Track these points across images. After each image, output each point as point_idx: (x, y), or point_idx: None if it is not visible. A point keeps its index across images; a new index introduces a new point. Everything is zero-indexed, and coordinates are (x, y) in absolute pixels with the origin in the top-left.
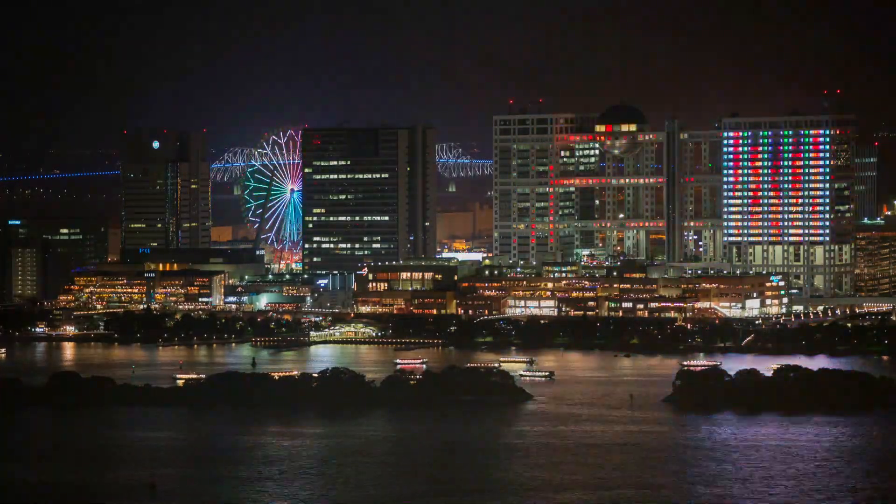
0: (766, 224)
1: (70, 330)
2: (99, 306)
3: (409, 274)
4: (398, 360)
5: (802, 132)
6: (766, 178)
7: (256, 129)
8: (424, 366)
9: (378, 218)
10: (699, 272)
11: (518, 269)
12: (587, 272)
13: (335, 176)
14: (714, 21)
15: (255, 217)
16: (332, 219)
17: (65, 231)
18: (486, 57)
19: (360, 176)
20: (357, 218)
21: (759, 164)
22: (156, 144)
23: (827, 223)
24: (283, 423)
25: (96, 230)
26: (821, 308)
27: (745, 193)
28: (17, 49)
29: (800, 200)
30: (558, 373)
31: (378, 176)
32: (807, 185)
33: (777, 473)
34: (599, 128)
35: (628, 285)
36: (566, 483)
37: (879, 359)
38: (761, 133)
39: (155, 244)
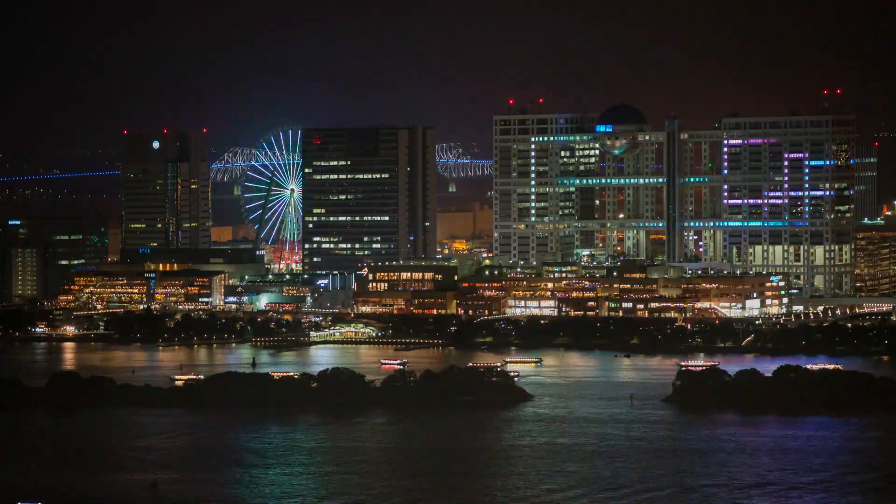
0: (766, 224)
1: (70, 330)
2: (99, 306)
3: (409, 274)
4: (383, 361)
5: (802, 132)
6: (766, 178)
7: (257, 129)
8: (403, 367)
9: (378, 218)
10: (699, 272)
11: (518, 269)
12: (587, 272)
13: (335, 176)
14: (714, 21)
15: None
16: (332, 219)
17: (65, 231)
18: (486, 57)
19: (360, 176)
20: (357, 218)
21: (759, 163)
22: (156, 144)
23: (827, 223)
24: (283, 423)
25: (96, 230)
26: (821, 308)
27: (745, 193)
28: (17, 49)
29: (800, 200)
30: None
31: (378, 176)
32: (807, 185)
33: (776, 473)
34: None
35: (628, 285)
36: (565, 483)
37: (879, 359)
38: (761, 132)
39: (155, 244)
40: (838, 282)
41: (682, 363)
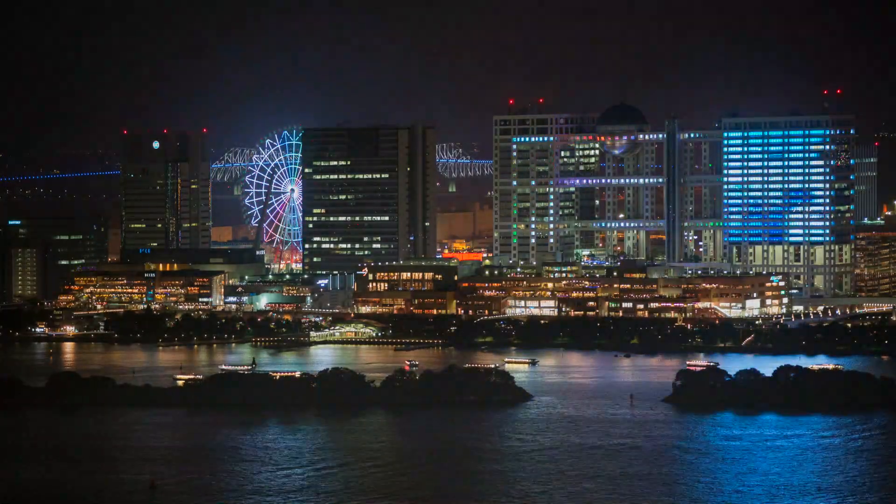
0: (766, 224)
1: (70, 330)
2: (99, 306)
3: (409, 274)
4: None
5: (802, 132)
6: (766, 178)
7: (256, 129)
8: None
9: (378, 218)
10: (699, 272)
11: (518, 269)
12: (587, 272)
13: (335, 176)
14: (715, 21)
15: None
16: (332, 219)
17: (65, 231)
18: (486, 56)
19: (360, 176)
20: (357, 218)
21: (759, 164)
22: (156, 144)
23: (827, 223)
24: (283, 423)
25: (96, 230)
26: (821, 308)
27: (745, 193)
28: (17, 49)
29: (800, 200)
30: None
31: (378, 176)
32: (807, 185)
33: (775, 473)
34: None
35: (628, 285)
36: (564, 485)
37: (879, 359)
38: (761, 133)
39: (155, 244)
40: (838, 282)
41: (689, 363)
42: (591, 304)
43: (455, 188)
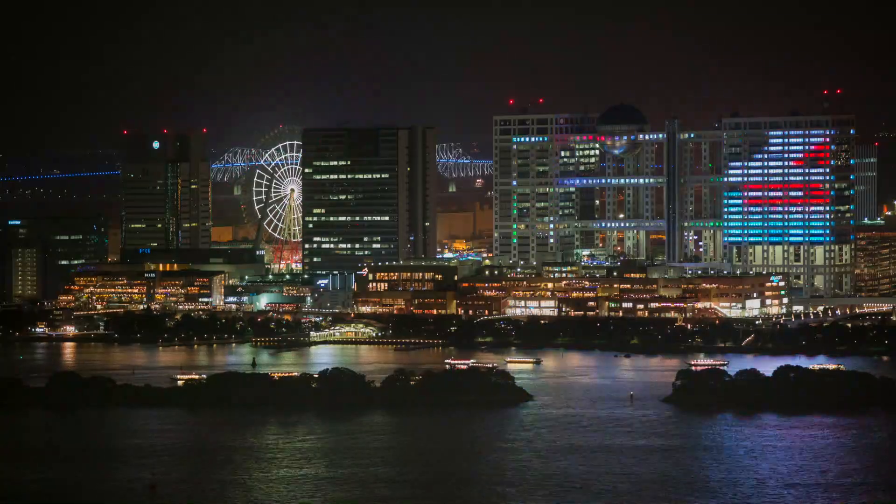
0: (766, 224)
1: (70, 330)
2: (99, 307)
3: (409, 274)
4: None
5: (802, 132)
6: (766, 178)
7: (256, 129)
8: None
9: (378, 218)
10: (699, 272)
11: (518, 270)
12: (587, 272)
13: (335, 176)
14: (715, 21)
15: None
16: (332, 219)
17: (65, 231)
18: (486, 57)
19: (360, 176)
20: (357, 218)
21: (759, 164)
22: (156, 144)
23: (827, 223)
24: (283, 423)
25: (96, 230)
26: (821, 308)
27: (745, 193)
28: (17, 49)
29: (800, 200)
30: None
31: (378, 176)
32: (807, 185)
33: (774, 473)
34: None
35: (628, 285)
36: (565, 486)
37: (879, 359)
38: (761, 133)
39: (155, 244)
40: (838, 282)
41: (693, 362)
42: (591, 304)
43: (455, 188)
